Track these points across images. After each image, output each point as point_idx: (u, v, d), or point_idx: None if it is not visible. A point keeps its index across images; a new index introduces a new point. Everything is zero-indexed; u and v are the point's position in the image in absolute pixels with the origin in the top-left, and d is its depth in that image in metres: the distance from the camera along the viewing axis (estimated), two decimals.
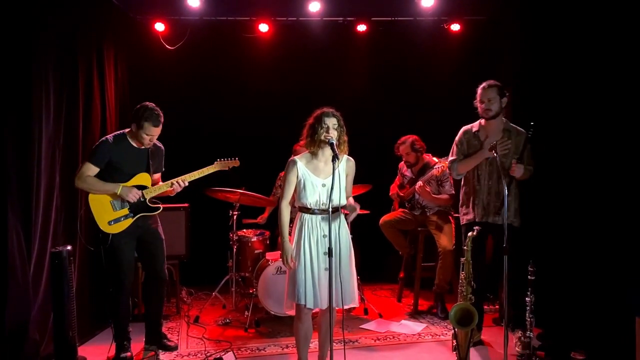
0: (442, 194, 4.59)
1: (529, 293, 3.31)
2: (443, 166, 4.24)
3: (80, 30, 4.12)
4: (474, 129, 3.81)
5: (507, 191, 3.55)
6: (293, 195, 3.15)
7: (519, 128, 3.70)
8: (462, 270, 3.45)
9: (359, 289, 4.64)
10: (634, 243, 3.29)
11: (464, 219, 3.88)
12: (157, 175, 3.73)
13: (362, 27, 5.57)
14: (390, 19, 5.56)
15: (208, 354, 3.73)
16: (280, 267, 4.23)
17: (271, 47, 5.63)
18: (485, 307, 4.40)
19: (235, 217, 4.66)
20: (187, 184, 3.61)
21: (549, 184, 4.01)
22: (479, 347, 3.81)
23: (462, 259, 3.46)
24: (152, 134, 3.42)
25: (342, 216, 3.14)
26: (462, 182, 3.92)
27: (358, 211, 3.15)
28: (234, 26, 5.50)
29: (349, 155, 3.18)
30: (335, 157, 2.85)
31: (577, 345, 3.49)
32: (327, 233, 3.00)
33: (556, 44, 4.12)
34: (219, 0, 5.13)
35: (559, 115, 4.02)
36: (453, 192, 4.59)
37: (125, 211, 3.46)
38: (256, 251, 4.65)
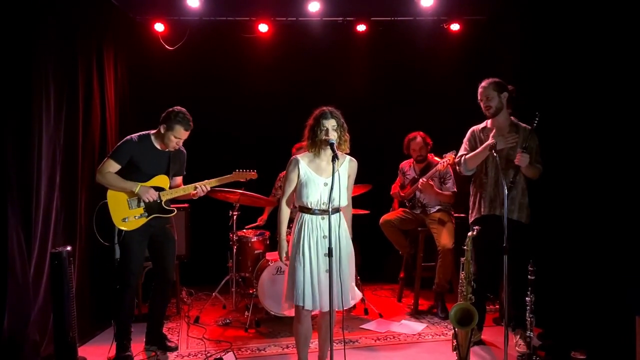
0: (444, 191, 4.59)
1: (529, 292, 3.31)
2: (448, 160, 4.22)
3: (80, 30, 4.13)
4: (481, 127, 3.82)
5: (513, 184, 3.56)
6: (293, 196, 3.14)
7: (526, 125, 3.68)
8: (462, 270, 3.45)
9: (359, 288, 4.66)
10: (634, 242, 3.29)
11: (472, 215, 3.85)
12: (179, 179, 3.77)
13: (361, 27, 5.58)
14: (389, 19, 5.56)
15: (208, 355, 3.72)
16: (280, 268, 4.23)
17: (271, 47, 5.64)
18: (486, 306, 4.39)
19: (235, 217, 4.66)
20: (209, 188, 3.67)
21: (549, 184, 4.00)
22: (480, 346, 3.82)
23: (462, 259, 3.46)
24: (180, 137, 3.48)
25: (343, 217, 3.14)
26: (472, 179, 3.90)
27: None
28: (233, 26, 5.51)
29: (351, 154, 3.17)
30: (334, 157, 2.84)
31: (577, 345, 3.49)
32: (327, 234, 2.99)
33: (556, 43, 4.12)
34: (218, 0, 5.13)
35: (559, 115, 4.02)
36: (455, 190, 4.60)
37: (140, 210, 3.49)
38: (256, 251, 4.65)
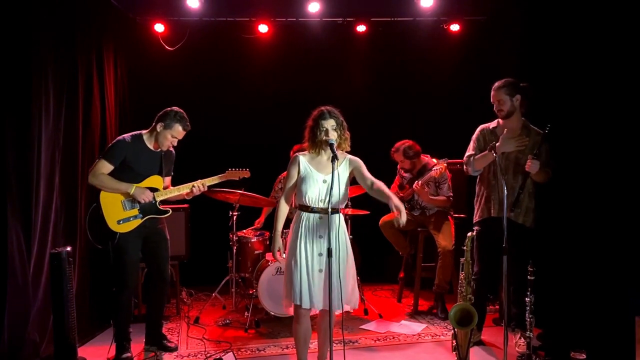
0: (439, 196, 4.59)
1: (528, 293, 3.31)
2: (441, 168, 4.23)
3: (80, 31, 4.13)
4: (492, 126, 3.78)
5: (522, 190, 3.54)
6: (292, 196, 3.14)
7: (538, 129, 3.66)
8: (462, 271, 3.45)
9: (359, 289, 4.65)
10: (634, 243, 3.29)
11: (477, 216, 3.82)
12: (168, 179, 3.75)
13: (361, 28, 5.58)
14: (389, 19, 5.57)
15: (208, 355, 3.72)
16: (280, 268, 4.23)
17: (270, 47, 5.64)
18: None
19: (235, 217, 4.66)
20: (206, 188, 3.64)
21: (549, 184, 4.00)
22: (479, 347, 3.81)
23: (462, 259, 3.46)
24: (177, 137, 3.47)
25: (342, 218, 3.14)
26: (478, 179, 3.88)
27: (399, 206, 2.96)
28: (233, 27, 5.51)
29: (350, 155, 3.17)
30: (334, 158, 2.84)
31: (577, 345, 3.49)
32: (322, 234, 3.00)
33: (556, 44, 4.11)
34: (218, 1, 5.13)
35: (559, 115, 4.02)
36: (451, 194, 4.59)
37: (135, 212, 3.47)
38: (256, 252, 4.65)
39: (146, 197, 3.43)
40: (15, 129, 3.38)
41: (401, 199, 4.80)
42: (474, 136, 3.83)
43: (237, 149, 5.63)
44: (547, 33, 4.21)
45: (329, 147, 2.97)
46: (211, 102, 5.65)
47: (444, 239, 4.45)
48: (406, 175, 4.81)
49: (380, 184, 3.06)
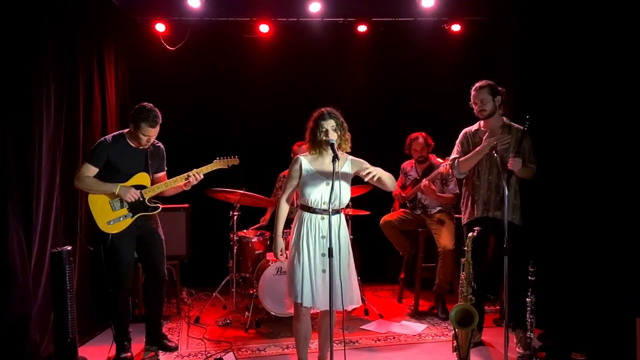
0: (446, 193, 4.59)
1: (529, 293, 3.31)
2: (450, 163, 4.21)
3: (80, 31, 4.13)
4: (474, 129, 3.84)
5: (507, 187, 3.55)
6: (294, 195, 3.14)
7: (518, 126, 3.70)
8: (463, 271, 3.45)
9: (360, 289, 4.65)
10: (634, 244, 3.28)
11: (464, 218, 3.88)
12: (162, 174, 3.71)
13: (362, 28, 5.58)
14: (390, 19, 5.57)
15: (208, 355, 3.72)
16: (281, 268, 4.22)
17: (271, 47, 5.64)
18: (486, 307, 4.39)
19: (235, 217, 4.66)
20: (202, 176, 3.59)
21: (550, 184, 4.00)
22: (480, 347, 3.81)
23: (463, 259, 3.46)
24: (148, 135, 3.41)
25: (343, 217, 3.14)
26: (464, 181, 3.92)
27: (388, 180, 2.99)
28: (234, 27, 5.51)
29: (351, 155, 3.17)
30: (335, 158, 2.84)
31: (577, 346, 3.49)
32: (325, 234, 3.00)
33: (557, 44, 4.11)
34: (219, 0, 5.13)
35: (559, 116, 4.02)
36: (457, 191, 4.59)
37: (125, 211, 3.46)
38: (256, 252, 4.65)
39: (132, 195, 3.41)
40: (16, 129, 3.38)
41: (404, 199, 4.83)
42: (458, 140, 3.90)
43: (238, 148, 5.57)
44: (548, 33, 4.21)
45: (329, 147, 2.97)
46: (212, 101, 5.65)
47: (445, 239, 4.45)
48: (412, 173, 4.81)
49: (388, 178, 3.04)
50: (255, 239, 4.68)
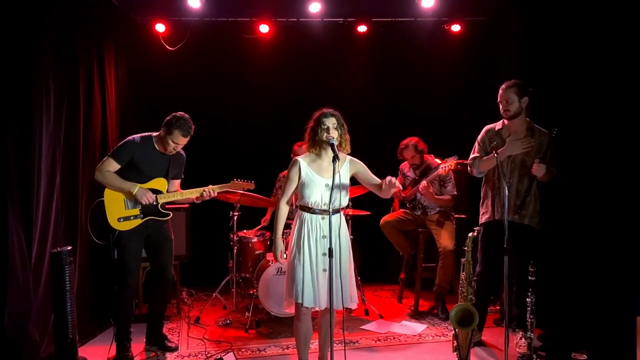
0: (444, 194, 4.59)
1: (529, 293, 3.31)
2: (449, 166, 4.20)
3: (80, 31, 4.13)
4: (497, 127, 3.76)
5: (528, 192, 3.53)
6: (294, 196, 3.14)
7: (542, 129, 3.65)
8: (463, 271, 3.45)
9: (359, 289, 4.65)
10: (635, 243, 3.28)
11: (482, 218, 3.81)
12: (177, 182, 3.77)
13: (362, 28, 5.58)
14: (390, 19, 5.57)
15: (209, 355, 3.72)
16: (281, 268, 4.22)
17: (271, 48, 5.65)
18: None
19: (235, 217, 4.66)
20: (216, 194, 3.67)
21: (551, 185, 4.00)
22: (480, 347, 3.81)
23: (463, 260, 3.46)
24: (179, 143, 3.48)
25: (343, 217, 3.14)
26: (483, 181, 3.87)
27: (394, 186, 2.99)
28: (234, 27, 5.52)
29: (351, 156, 3.17)
30: (335, 158, 2.84)
31: (578, 346, 3.49)
32: (326, 234, 3.00)
33: (557, 44, 4.11)
34: (219, 1, 5.13)
35: (560, 116, 4.01)
36: (455, 193, 4.59)
37: (136, 211, 3.49)
38: (256, 252, 4.65)
39: (148, 198, 3.45)
40: (16, 129, 3.39)
41: (403, 199, 4.83)
42: (479, 137, 3.81)
43: (238, 149, 5.64)
44: (548, 33, 4.21)
45: (329, 147, 2.97)
46: (212, 102, 5.65)
47: (445, 239, 4.45)
48: (410, 174, 4.80)
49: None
50: (255, 239, 4.68)
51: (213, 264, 5.25)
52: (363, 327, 4.29)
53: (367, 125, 5.51)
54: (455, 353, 3.39)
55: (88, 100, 4.28)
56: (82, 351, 3.64)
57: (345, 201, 3.10)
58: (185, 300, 5.00)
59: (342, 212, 3.13)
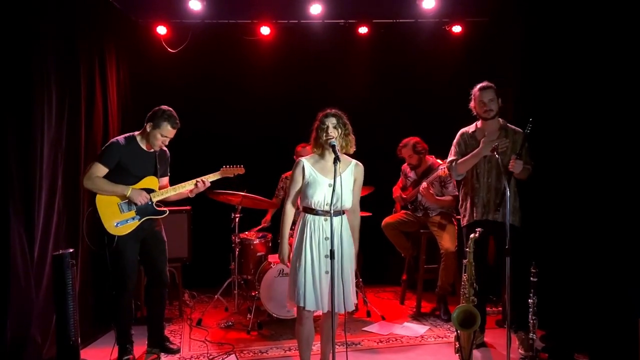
0: (445, 195, 4.59)
1: (531, 295, 3.30)
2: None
3: (81, 33, 4.13)
4: (471, 130, 3.84)
5: (506, 189, 3.55)
6: (298, 199, 3.15)
7: (515, 127, 3.72)
8: (465, 272, 3.45)
9: (361, 291, 4.66)
10: (636, 244, 3.28)
11: (464, 220, 3.88)
12: (165, 180, 3.73)
13: (363, 30, 5.58)
14: (391, 21, 5.57)
15: (210, 357, 3.72)
16: (283, 270, 4.22)
17: (273, 49, 5.65)
18: (488, 309, 4.38)
19: (237, 219, 4.66)
20: (209, 184, 3.63)
21: (551, 185, 4.00)
22: (482, 349, 3.81)
23: (465, 261, 3.46)
24: (167, 136, 3.44)
25: (345, 219, 3.14)
26: (462, 183, 3.92)
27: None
28: (235, 29, 5.52)
29: (354, 158, 3.17)
30: (336, 159, 2.84)
31: (580, 347, 3.48)
32: (329, 235, 2.99)
33: (558, 45, 4.11)
34: (220, 3, 5.14)
35: (560, 116, 4.02)
36: (457, 193, 4.58)
37: (132, 214, 3.46)
38: (258, 254, 4.65)
39: (143, 198, 3.42)
40: (18, 131, 3.38)
41: (404, 200, 4.83)
42: (455, 141, 3.89)
43: (240, 150, 5.62)
44: (549, 34, 4.21)
45: (331, 149, 2.97)
46: (213, 104, 5.65)
47: (447, 241, 4.44)
48: (411, 175, 4.80)
49: (356, 222, 3.19)
50: (257, 241, 4.68)
51: (215, 266, 5.25)
52: (365, 328, 4.29)
53: (368, 127, 5.47)
54: (457, 354, 3.39)
55: (89, 102, 4.28)
56: (84, 353, 3.65)
57: (349, 204, 3.09)
58: (187, 302, 5.00)
59: (345, 215, 3.12)
